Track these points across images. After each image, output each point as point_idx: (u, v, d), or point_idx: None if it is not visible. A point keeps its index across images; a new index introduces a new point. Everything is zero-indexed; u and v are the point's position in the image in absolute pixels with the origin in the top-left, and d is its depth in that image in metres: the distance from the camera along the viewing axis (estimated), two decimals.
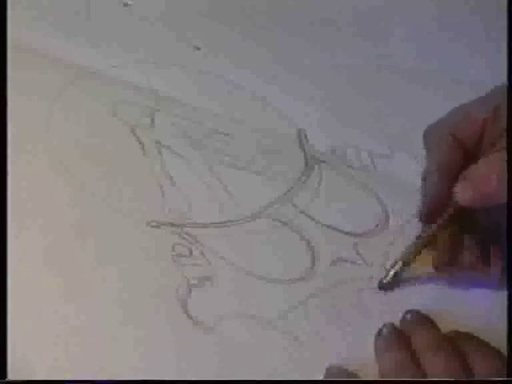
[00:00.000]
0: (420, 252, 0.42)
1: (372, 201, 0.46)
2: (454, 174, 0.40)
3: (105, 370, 0.38)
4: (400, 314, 0.41)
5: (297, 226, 0.45)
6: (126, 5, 0.56)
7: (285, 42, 0.55)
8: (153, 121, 0.49)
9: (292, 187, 0.47)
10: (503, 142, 0.39)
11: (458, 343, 0.38)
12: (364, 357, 0.39)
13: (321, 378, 0.39)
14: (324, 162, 0.48)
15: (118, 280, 0.41)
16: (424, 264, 0.42)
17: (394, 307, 0.41)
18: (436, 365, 0.37)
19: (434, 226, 0.41)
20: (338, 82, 0.53)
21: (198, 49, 0.54)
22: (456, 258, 0.41)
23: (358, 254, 0.44)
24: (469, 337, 0.39)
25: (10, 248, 0.41)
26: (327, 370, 0.39)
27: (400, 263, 0.42)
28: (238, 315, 0.41)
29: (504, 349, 0.38)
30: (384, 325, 0.40)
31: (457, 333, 0.39)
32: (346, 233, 0.45)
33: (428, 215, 0.41)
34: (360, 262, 0.44)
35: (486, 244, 0.41)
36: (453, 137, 0.41)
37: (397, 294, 0.42)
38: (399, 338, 0.39)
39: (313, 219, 0.45)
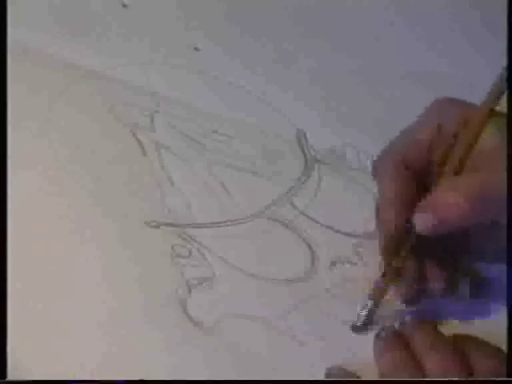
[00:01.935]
0: (388, 289, 0.41)
1: (371, 201, 0.46)
2: (409, 203, 0.39)
3: (104, 370, 0.38)
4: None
5: (296, 226, 0.45)
6: (124, 6, 0.56)
7: (285, 42, 0.55)
8: (152, 121, 0.49)
9: (291, 188, 0.47)
10: (460, 163, 0.38)
11: (457, 344, 0.38)
12: (364, 357, 0.39)
13: (321, 378, 0.39)
14: (323, 162, 0.48)
15: (117, 280, 0.41)
16: (392, 299, 0.41)
17: None
18: (436, 365, 0.37)
19: (397, 259, 0.40)
20: (338, 82, 0.53)
21: (198, 50, 0.54)
22: (423, 288, 0.40)
23: (357, 254, 0.44)
24: (468, 337, 0.39)
25: (9, 248, 0.41)
26: (327, 370, 0.39)
27: (370, 303, 0.41)
28: (238, 316, 0.41)
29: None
30: (383, 326, 0.40)
31: (456, 334, 0.39)
32: (346, 233, 0.45)
33: (389, 248, 0.40)
34: (359, 262, 0.44)
35: (449, 267, 0.41)
36: (403, 165, 0.40)
37: None
38: (398, 339, 0.39)
39: (312, 220, 0.45)
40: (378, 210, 0.42)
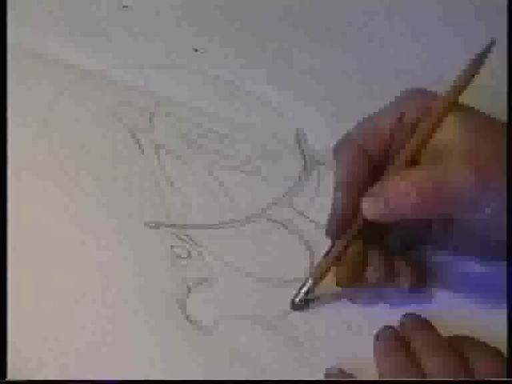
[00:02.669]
0: (329, 269, 0.41)
1: None
2: (362, 188, 0.39)
3: (104, 370, 0.38)
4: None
5: (296, 227, 0.45)
6: (124, 7, 0.56)
7: (285, 42, 0.55)
8: (151, 122, 0.49)
9: (291, 188, 0.47)
10: (423, 156, 0.38)
11: (457, 345, 0.38)
12: (363, 358, 0.39)
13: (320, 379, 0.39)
14: (323, 163, 0.48)
15: (116, 281, 0.41)
16: (332, 282, 0.41)
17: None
18: (436, 366, 0.37)
19: (341, 241, 0.40)
20: (339, 82, 0.53)
21: (197, 50, 0.54)
22: (360, 275, 0.40)
23: None
24: (468, 338, 0.39)
25: (10, 248, 0.41)
26: (327, 371, 0.39)
27: (310, 281, 0.41)
28: (237, 316, 0.41)
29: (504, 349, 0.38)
30: (383, 328, 0.40)
31: (455, 335, 0.39)
32: None
33: (335, 230, 0.40)
34: None
35: (392, 259, 0.41)
36: (361, 150, 0.40)
37: None
38: (398, 340, 0.39)
39: (312, 220, 0.45)
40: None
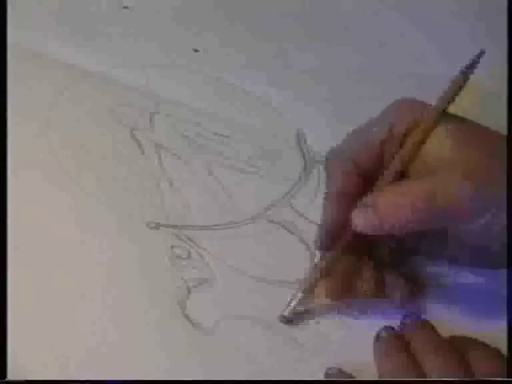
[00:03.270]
0: (318, 281, 0.40)
1: None
2: (353, 200, 0.38)
3: (103, 370, 0.38)
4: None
5: (296, 227, 0.45)
6: (125, 7, 0.56)
7: (284, 42, 0.55)
8: (152, 122, 0.49)
9: (291, 189, 0.47)
10: (413, 168, 0.38)
11: (457, 345, 0.38)
12: (363, 359, 0.39)
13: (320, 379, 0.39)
14: (323, 163, 0.48)
15: (116, 281, 0.41)
16: (321, 294, 0.41)
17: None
18: (436, 366, 0.37)
19: (331, 254, 0.40)
20: (338, 82, 0.53)
21: (197, 51, 0.54)
22: (350, 287, 0.40)
23: None
24: (468, 338, 0.39)
25: (9, 248, 0.41)
26: (327, 371, 0.39)
27: (300, 295, 0.40)
28: (237, 317, 0.41)
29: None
30: (383, 328, 0.40)
31: (455, 336, 0.39)
32: None
33: (325, 242, 0.40)
34: None
35: (382, 270, 0.41)
36: (352, 162, 0.39)
37: None
38: (398, 340, 0.39)
39: (312, 221, 0.45)
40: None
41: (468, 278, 0.42)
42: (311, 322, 0.41)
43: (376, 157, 0.39)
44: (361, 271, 0.40)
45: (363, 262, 0.41)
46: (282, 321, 0.41)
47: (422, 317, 0.41)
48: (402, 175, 0.38)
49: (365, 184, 0.39)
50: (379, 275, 0.40)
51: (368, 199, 0.37)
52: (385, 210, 0.36)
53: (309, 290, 0.40)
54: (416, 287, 0.42)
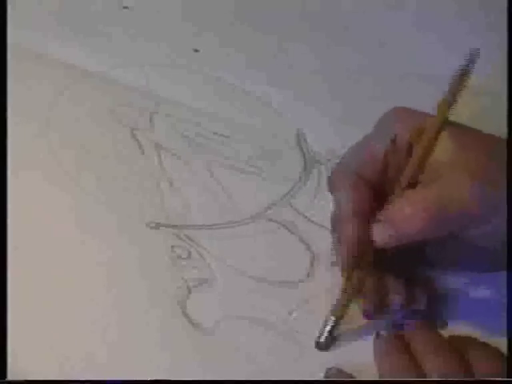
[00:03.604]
0: (350, 303, 0.40)
1: None
2: (368, 215, 0.38)
3: (103, 370, 0.38)
4: None
5: (296, 227, 0.45)
6: (125, 7, 0.56)
7: (284, 42, 0.55)
8: (152, 122, 0.49)
9: (291, 189, 0.47)
10: (414, 174, 0.38)
11: (457, 345, 0.38)
12: (363, 359, 0.39)
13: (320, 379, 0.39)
14: (323, 163, 0.48)
15: (116, 281, 0.41)
16: (355, 315, 0.40)
17: None
18: (436, 366, 0.37)
19: (357, 273, 0.40)
20: (338, 82, 0.53)
21: (197, 51, 0.54)
22: (383, 302, 0.40)
23: None
24: (468, 338, 0.39)
25: (9, 248, 0.41)
26: (327, 371, 0.39)
27: (333, 319, 0.40)
28: (238, 317, 0.41)
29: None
30: (383, 328, 0.40)
31: (455, 335, 0.39)
32: None
33: (349, 262, 0.40)
34: None
35: (407, 279, 0.40)
36: (359, 177, 0.40)
37: None
38: (398, 341, 0.39)
39: (312, 221, 0.45)
40: (333, 224, 0.41)
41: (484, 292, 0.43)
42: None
43: (381, 169, 0.40)
44: (389, 286, 0.40)
45: (388, 276, 0.40)
46: (317, 347, 0.40)
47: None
48: (411, 185, 0.38)
49: (375, 197, 0.40)
50: (405, 287, 0.40)
51: (383, 213, 0.38)
52: (400, 222, 0.37)
53: (340, 313, 0.40)
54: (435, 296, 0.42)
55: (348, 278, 0.40)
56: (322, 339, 0.40)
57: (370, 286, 0.40)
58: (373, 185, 0.40)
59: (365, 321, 0.41)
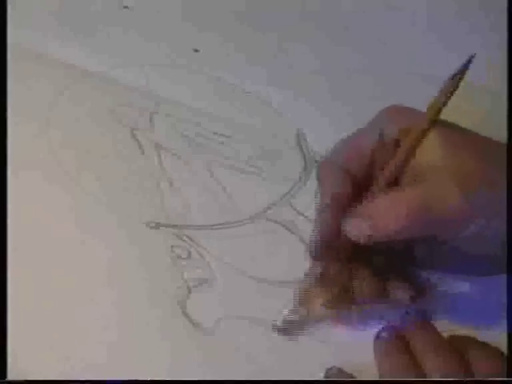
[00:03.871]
0: (312, 291, 0.40)
1: None
2: (345, 209, 0.38)
3: (103, 370, 0.38)
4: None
5: (296, 227, 0.45)
6: (125, 7, 0.56)
7: (284, 42, 0.55)
8: (151, 122, 0.49)
9: (291, 189, 0.47)
10: (405, 175, 0.37)
11: (457, 344, 0.38)
12: (363, 359, 0.39)
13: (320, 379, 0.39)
14: None
15: (116, 281, 0.41)
16: (316, 304, 0.40)
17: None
18: (436, 366, 0.37)
19: (325, 263, 0.40)
20: (339, 82, 0.53)
21: (197, 51, 0.54)
22: (346, 296, 0.40)
23: None
24: (468, 338, 0.39)
25: (10, 248, 0.41)
26: (327, 371, 0.39)
27: (294, 304, 0.40)
28: (238, 317, 0.41)
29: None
30: (383, 328, 0.40)
31: (455, 335, 0.39)
32: None
33: (318, 251, 0.40)
34: None
35: (381, 277, 0.40)
36: (344, 170, 0.39)
37: None
38: (398, 340, 0.39)
39: (312, 220, 0.45)
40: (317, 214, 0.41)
41: (464, 285, 0.42)
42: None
43: (367, 165, 0.39)
44: (358, 278, 0.40)
45: (360, 269, 0.40)
46: (274, 330, 0.40)
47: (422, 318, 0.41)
48: (394, 183, 0.38)
49: (357, 192, 0.39)
50: (378, 281, 0.40)
51: (361, 208, 0.37)
52: (377, 219, 0.36)
53: (302, 299, 0.40)
54: (422, 289, 0.41)
55: (314, 266, 0.40)
56: (280, 323, 0.40)
57: (336, 277, 0.40)
58: (357, 180, 0.39)
59: (328, 311, 0.40)
